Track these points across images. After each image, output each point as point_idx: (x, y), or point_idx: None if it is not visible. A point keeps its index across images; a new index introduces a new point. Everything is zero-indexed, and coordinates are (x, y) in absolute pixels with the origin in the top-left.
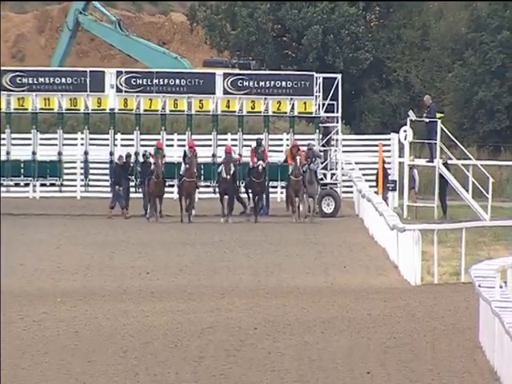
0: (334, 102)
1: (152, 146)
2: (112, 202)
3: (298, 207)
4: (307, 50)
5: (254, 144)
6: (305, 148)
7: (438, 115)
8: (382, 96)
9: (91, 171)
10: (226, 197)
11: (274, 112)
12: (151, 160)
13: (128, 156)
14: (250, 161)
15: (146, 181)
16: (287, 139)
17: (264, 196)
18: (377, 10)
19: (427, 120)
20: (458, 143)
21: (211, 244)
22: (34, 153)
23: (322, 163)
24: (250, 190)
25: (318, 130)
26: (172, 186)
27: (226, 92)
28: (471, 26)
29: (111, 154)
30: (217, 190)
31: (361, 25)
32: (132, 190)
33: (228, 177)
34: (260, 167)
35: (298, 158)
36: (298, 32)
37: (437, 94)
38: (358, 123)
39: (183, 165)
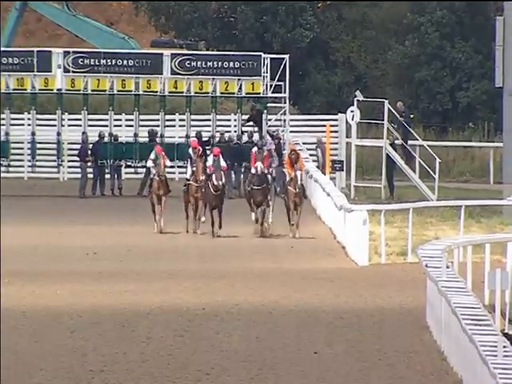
0: (282, 83)
1: (100, 126)
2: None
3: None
4: (243, 30)
5: (255, 148)
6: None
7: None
8: (326, 76)
9: (38, 152)
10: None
11: (221, 92)
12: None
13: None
14: (251, 165)
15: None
16: (235, 119)
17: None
18: None
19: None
20: (405, 124)
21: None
22: None
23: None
24: (251, 200)
25: (265, 111)
26: (121, 166)
27: (173, 72)
28: (411, 11)
29: (58, 134)
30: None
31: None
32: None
33: (217, 190)
34: (259, 167)
35: (298, 172)
36: (235, 12)
37: (381, 74)
38: (304, 103)
39: (189, 168)
